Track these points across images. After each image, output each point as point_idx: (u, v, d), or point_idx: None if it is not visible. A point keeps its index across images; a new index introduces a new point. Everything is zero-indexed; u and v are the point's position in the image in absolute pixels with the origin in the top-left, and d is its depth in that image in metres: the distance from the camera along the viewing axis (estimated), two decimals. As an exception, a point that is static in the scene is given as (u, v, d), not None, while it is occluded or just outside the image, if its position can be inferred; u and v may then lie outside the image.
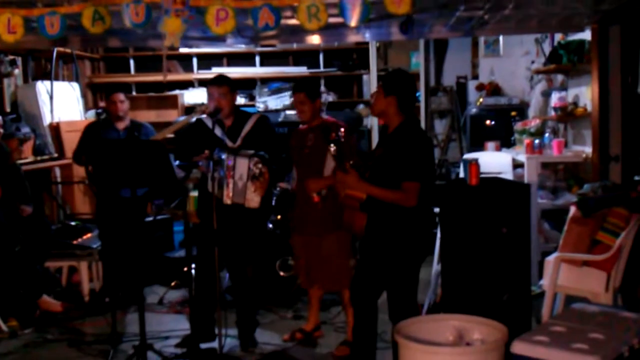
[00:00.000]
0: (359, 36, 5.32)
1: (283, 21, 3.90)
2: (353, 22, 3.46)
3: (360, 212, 4.01)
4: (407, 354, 3.38)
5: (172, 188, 4.71)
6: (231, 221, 4.57)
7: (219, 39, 5.25)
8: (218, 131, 4.65)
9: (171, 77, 9.03)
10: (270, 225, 5.81)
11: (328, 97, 8.62)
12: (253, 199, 4.50)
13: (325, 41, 5.79)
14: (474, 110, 8.03)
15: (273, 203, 5.95)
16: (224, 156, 4.47)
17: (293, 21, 3.94)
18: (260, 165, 4.45)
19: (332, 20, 4.05)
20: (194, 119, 4.94)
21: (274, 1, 3.60)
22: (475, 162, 4.23)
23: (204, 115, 4.83)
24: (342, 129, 4.10)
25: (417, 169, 3.75)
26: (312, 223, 4.68)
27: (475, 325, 3.54)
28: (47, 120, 7.48)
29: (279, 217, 5.93)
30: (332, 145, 3.82)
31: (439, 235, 4.75)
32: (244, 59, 9.05)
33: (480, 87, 8.24)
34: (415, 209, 3.76)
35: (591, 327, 3.35)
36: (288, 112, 7.83)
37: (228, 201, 4.50)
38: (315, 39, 5.40)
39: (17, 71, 7.45)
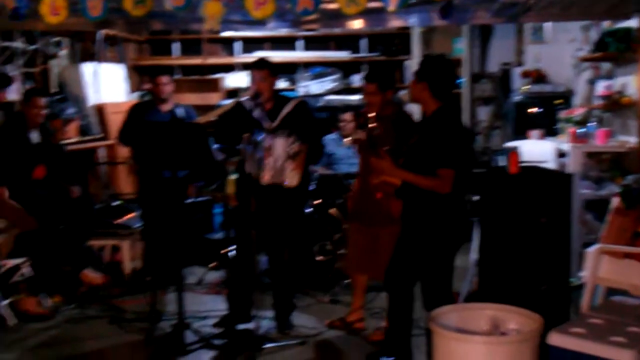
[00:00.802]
0: (401, 21, 5.28)
1: (323, 6, 3.89)
2: (392, 7, 3.44)
3: (396, 198, 4.02)
4: (441, 341, 3.37)
5: (211, 171, 4.75)
6: (269, 204, 4.61)
7: (260, 23, 5.25)
8: (258, 114, 4.68)
9: (213, 60, 9.09)
10: (310, 210, 5.83)
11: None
12: (292, 177, 4.53)
13: (367, 26, 5.74)
14: (518, 98, 7.91)
15: (313, 187, 5.98)
16: (261, 137, 4.50)
17: (333, 5, 3.93)
18: (296, 144, 4.48)
19: (372, 4, 4.03)
20: (233, 102, 4.98)
21: (314, -14, 3.61)
22: (515, 151, 4.18)
23: (244, 99, 4.86)
24: (372, 114, 4.07)
25: (452, 155, 3.72)
26: (373, 213, 4.58)
27: (511, 315, 3.52)
28: (92, 101, 7.61)
29: (319, 201, 5.94)
30: (360, 130, 3.79)
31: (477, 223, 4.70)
32: (287, 43, 9.07)
33: (525, 74, 8.10)
34: (450, 196, 3.74)
35: (630, 320, 3.31)
36: (329, 97, 7.83)
37: (266, 181, 4.52)
38: (356, 24, 5.37)
39: (63, 52, 7.58)
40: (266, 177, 4.52)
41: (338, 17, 4.69)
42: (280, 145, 4.49)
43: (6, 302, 5.07)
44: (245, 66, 8.80)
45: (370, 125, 4.12)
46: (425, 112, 3.96)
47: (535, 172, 4.32)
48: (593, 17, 5.81)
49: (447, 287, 4.00)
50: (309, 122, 4.79)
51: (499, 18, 5.41)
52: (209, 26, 3.67)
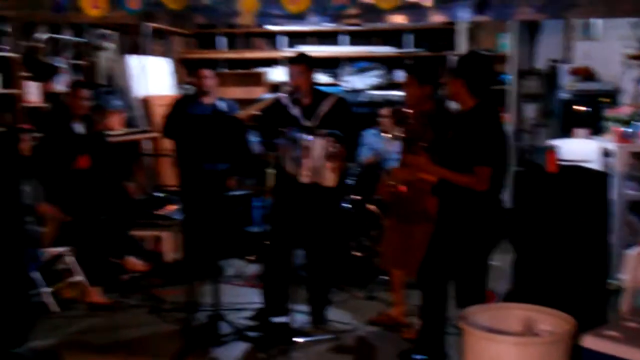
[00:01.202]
0: (443, 16, 5.21)
1: (363, 0, 3.87)
2: (428, 2, 3.40)
3: (432, 195, 4.00)
4: (472, 341, 3.35)
5: (249, 164, 4.80)
6: (306, 200, 4.62)
7: (300, 17, 5.26)
8: (295, 110, 4.69)
9: (258, 54, 9.15)
10: (348, 205, 5.83)
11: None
12: (330, 178, 4.54)
13: (408, 21, 5.69)
14: (565, 95, 7.77)
15: (352, 183, 5.98)
16: (300, 135, 4.52)
17: (369, 0, 3.91)
18: (336, 144, 4.49)
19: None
20: (272, 98, 5.01)
21: (350, -19, 3.60)
22: (552, 149, 4.11)
23: (283, 95, 4.88)
24: (410, 110, 4.05)
25: (489, 153, 3.69)
26: (408, 210, 4.57)
27: (544, 316, 3.48)
28: (138, 93, 7.73)
29: (357, 197, 5.94)
30: (398, 125, 3.78)
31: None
32: (331, 38, 9.07)
33: (573, 72, 7.95)
34: (486, 194, 3.71)
35: (667, 325, 3.23)
36: (371, 92, 7.81)
37: (305, 180, 4.54)
38: (397, 19, 5.33)
39: (110, 45, 7.72)
40: (304, 176, 4.53)
41: (379, 11, 4.67)
42: (319, 146, 4.50)
43: (49, 289, 5.19)
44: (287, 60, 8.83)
45: (408, 122, 4.11)
46: (463, 109, 3.93)
47: (572, 171, 4.24)
48: (642, 14, 5.65)
49: (481, 286, 3.97)
50: (348, 121, 4.78)
51: (543, 14, 5.29)
52: (243, 20, 3.70)
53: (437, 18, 5.35)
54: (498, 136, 3.80)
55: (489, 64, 3.94)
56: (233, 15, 4.07)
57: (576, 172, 4.22)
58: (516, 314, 3.55)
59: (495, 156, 3.73)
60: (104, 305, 5.31)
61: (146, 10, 4.05)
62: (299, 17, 4.90)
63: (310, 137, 4.50)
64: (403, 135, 3.94)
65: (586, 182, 4.05)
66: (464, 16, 5.13)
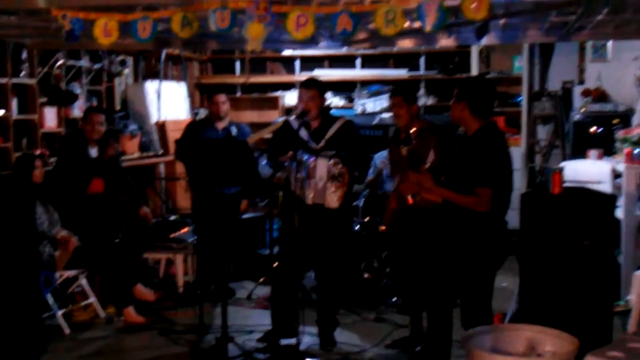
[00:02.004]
0: (451, 40, 5.30)
1: (365, 26, 3.95)
2: (428, 28, 3.47)
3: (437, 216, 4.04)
4: (474, 361, 3.36)
5: (257, 187, 4.86)
6: (314, 221, 4.67)
7: (313, 42, 5.36)
8: (303, 133, 4.76)
9: (273, 78, 9.27)
10: (357, 227, 5.87)
11: (428, 100, 8.63)
12: (332, 200, 4.58)
13: (416, 45, 5.81)
14: (577, 117, 7.77)
15: (361, 204, 6.02)
16: (306, 157, 4.57)
17: (372, 26, 3.99)
18: (340, 166, 4.53)
19: (415, 25, 4.07)
20: (281, 120, 5.09)
21: (353, 7, 3.67)
22: (558, 171, 4.13)
23: (292, 117, 4.95)
24: (414, 129, 4.11)
25: (491, 174, 3.71)
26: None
27: (548, 337, 3.48)
28: (154, 118, 7.85)
29: (367, 219, 5.98)
30: (402, 145, 3.84)
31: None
32: (345, 61, 9.15)
33: (586, 93, 7.95)
34: (489, 215, 3.73)
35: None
36: (384, 114, 7.87)
37: (309, 201, 4.60)
38: (406, 43, 5.42)
39: (127, 71, 7.86)
40: (309, 197, 4.59)
41: (385, 37, 4.74)
42: (322, 167, 4.55)
43: (62, 311, 5.27)
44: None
45: (411, 141, 4.18)
46: (467, 132, 3.97)
47: (578, 193, 4.25)
48: (649, 36, 5.68)
49: (487, 307, 3.97)
50: (355, 143, 4.83)
51: (550, 37, 5.38)
52: (251, 47, 3.77)
53: (445, 42, 5.45)
54: (501, 158, 3.83)
55: (490, 87, 3.98)
56: (243, 41, 4.15)
57: (581, 194, 4.23)
58: (520, 334, 3.56)
59: (497, 178, 3.75)
60: (141, 324, 5.41)
61: (158, 37, 4.15)
62: (310, 42, 5.00)
63: (313, 159, 4.56)
64: (406, 155, 4.00)
65: (591, 203, 4.06)
66: (472, 40, 5.20)
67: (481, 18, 3.38)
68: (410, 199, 4.44)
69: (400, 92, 4.70)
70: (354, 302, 5.66)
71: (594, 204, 4.06)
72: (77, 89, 6.94)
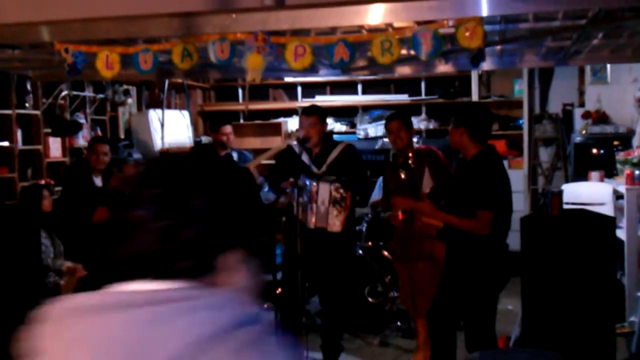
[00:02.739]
0: (448, 66, 5.36)
1: (362, 54, 4.02)
2: (423, 56, 3.53)
3: (438, 240, 4.07)
4: (476, 385, 3.37)
5: (261, 213, 4.87)
6: (317, 246, 4.70)
7: (312, 70, 5.43)
8: (305, 158, 4.81)
9: (276, 105, 9.35)
10: (360, 252, 5.90)
11: (429, 125, 8.69)
12: (335, 224, 4.62)
13: (415, 71, 5.87)
14: (578, 139, 7.82)
15: (364, 229, 6.05)
16: (308, 182, 4.62)
17: (370, 54, 4.05)
18: (341, 190, 4.57)
19: (412, 52, 4.14)
20: (285, 146, 5.14)
21: (349, 37, 3.73)
22: (557, 194, 4.17)
23: (294, 142, 5.00)
24: (410, 154, 4.17)
25: (490, 198, 3.76)
26: (412, 249, 4.71)
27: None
28: (158, 146, 7.92)
29: (369, 243, 6.01)
30: (401, 169, 3.89)
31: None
32: (347, 87, 9.23)
33: (586, 115, 8.00)
34: (490, 237, 3.76)
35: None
36: (386, 139, 7.91)
37: (312, 226, 4.64)
38: (404, 70, 5.49)
39: (130, 100, 7.95)
40: (311, 222, 4.63)
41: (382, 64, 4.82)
42: (324, 191, 4.60)
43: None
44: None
45: (409, 165, 4.24)
46: (466, 156, 4.01)
47: (578, 215, 4.28)
48: (646, 58, 5.74)
49: (490, 329, 3.99)
50: (356, 167, 4.87)
51: (547, 61, 5.44)
52: (250, 77, 3.84)
53: (444, 68, 5.51)
54: (500, 181, 3.87)
55: (487, 112, 4.04)
56: (243, 71, 4.22)
57: (581, 216, 4.26)
58: (520, 357, 3.56)
59: (497, 200, 3.79)
60: None
61: (160, 68, 4.23)
62: (310, 71, 5.07)
63: (315, 183, 4.61)
64: (405, 179, 4.06)
65: (591, 225, 4.09)
66: (469, 66, 5.27)
67: (476, 46, 3.44)
68: (400, 215, 4.48)
69: (399, 116, 4.78)
70: (358, 326, 5.68)
71: (593, 225, 4.09)
72: (81, 118, 7.03)
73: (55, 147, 6.70)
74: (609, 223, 4.12)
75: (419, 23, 3.70)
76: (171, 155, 1.22)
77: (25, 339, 1.09)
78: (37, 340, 1.08)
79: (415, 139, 5.06)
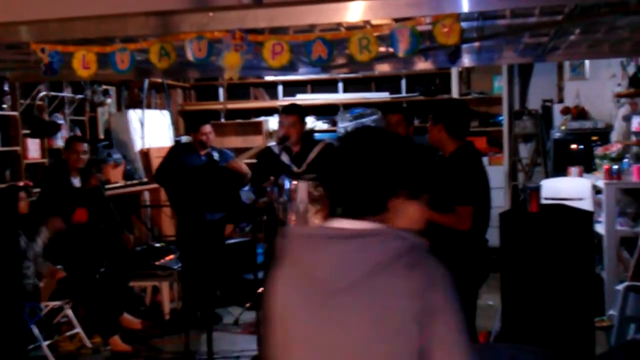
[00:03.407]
0: (428, 63, 5.37)
1: (340, 52, 4.01)
2: (401, 53, 3.53)
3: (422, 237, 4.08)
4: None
5: (240, 212, 4.89)
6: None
7: (291, 68, 5.42)
8: (285, 157, 4.81)
9: (257, 104, 9.34)
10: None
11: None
12: (314, 222, 4.61)
13: (394, 69, 5.87)
14: (558, 135, 7.88)
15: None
16: (287, 181, 4.61)
17: (348, 51, 4.05)
18: (320, 189, 4.56)
19: (390, 50, 4.14)
20: (264, 146, 5.14)
21: (327, 35, 3.73)
22: (535, 190, 4.19)
23: (273, 143, 5.00)
24: None
25: (470, 193, 3.77)
26: None
27: (528, 355, 3.50)
28: (137, 146, 7.88)
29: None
30: None
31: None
32: (328, 85, 9.23)
33: (565, 111, 8.06)
34: (470, 233, 3.77)
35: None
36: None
37: (292, 225, 4.63)
38: (384, 67, 5.49)
39: (109, 100, 7.90)
40: (291, 222, 4.62)
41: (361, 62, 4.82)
42: (302, 190, 4.59)
43: (47, 342, 5.25)
44: (285, 109, 9.01)
45: None
46: (444, 153, 4.02)
47: (556, 210, 4.31)
48: (620, 54, 5.78)
49: (470, 324, 4.01)
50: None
51: (526, 57, 5.46)
52: (228, 76, 3.82)
53: (423, 65, 5.51)
54: (479, 177, 3.89)
55: (466, 109, 4.05)
56: (222, 70, 4.21)
57: (559, 211, 4.29)
58: (501, 353, 3.58)
59: (476, 196, 3.81)
60: (127, 353, 5.39)
61: (138, 67, 4.20)
62: (289, 69, 5.06)
63: (294, 182, 4.60)
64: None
65: (569, 220, 4.11)
66: (448, 63, 5.29)
67: (453, 43, 3.44)
68: None
69: (402, 111, 4.80)
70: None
71: (572, 220, 4.12)
72: (60, 119, 6.98)
73: (33, 149, 6.65)
74: (588, 218, 4.15)
75: (396, 20, 3.71)
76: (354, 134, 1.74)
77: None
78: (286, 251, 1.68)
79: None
